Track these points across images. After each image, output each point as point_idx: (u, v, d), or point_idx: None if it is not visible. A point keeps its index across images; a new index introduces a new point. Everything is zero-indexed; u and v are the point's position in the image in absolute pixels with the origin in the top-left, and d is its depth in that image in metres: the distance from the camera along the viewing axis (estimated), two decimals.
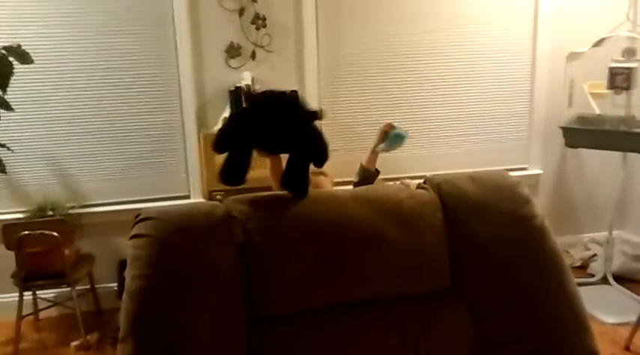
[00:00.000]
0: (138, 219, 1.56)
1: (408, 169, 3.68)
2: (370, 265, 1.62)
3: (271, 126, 1.63)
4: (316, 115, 1.66)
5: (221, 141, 1.66)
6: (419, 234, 1.67)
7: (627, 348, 2.91)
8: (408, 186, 1.78)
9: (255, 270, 1.56)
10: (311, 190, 1.88)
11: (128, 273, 1.48)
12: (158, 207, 1.65)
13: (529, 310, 1.68)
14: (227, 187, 1.68)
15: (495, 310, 1.68)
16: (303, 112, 1.65)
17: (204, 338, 1.45)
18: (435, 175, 1.81)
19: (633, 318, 2.94)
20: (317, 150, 1.66)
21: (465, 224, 1.72)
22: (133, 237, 1.53)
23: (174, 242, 1.51)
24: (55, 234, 2.94)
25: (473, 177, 1.79)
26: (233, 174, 1.64)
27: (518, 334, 1.67)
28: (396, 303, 1.64)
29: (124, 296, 1.46)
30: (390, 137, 2.62)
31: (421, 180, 1.82)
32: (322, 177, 2.15)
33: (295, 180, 1.66)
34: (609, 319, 3.17)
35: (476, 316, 1.67)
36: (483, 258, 1.71)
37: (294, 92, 1.76)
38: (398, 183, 1.81)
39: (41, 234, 2.94)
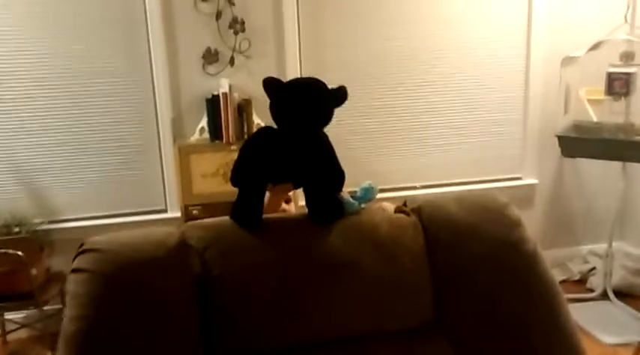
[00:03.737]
0: (80, 250, 1.40)
1: (398, 180, 3.57)
2: (342, 298, 1.47)
3: (288, 154, 1.52)
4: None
5: (237, 175, 1.53)
6: (397, 261, 1.53)
7: None
8: (384, 209, 1.61)
9: (214, 305, 1.41)
10: (277, 214, 1.74)
11: (65, 314, 1.32)
12: (105, 235, 1.48)
13: (520, 344, 1.53)
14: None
15: (482, 345, 1.54)
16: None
17: None
18: (416, 196, 1.66)
19: (635, 338, 2.79)
20: (334, 176, 1.56)
21: (449, 250, 1.58)
22: (73, 271, 1.37)
23: (118, 277, 1.35)
24: (19, 253, 2.78)
25: (458, 199, 1.65)
26: (248, 214, 1.50)
27: None
28: (371, 341, 1.49)
29: (59, 341, 1.29)
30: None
31: (401, 203, 1.66)
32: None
33: (325, 208, 1.54)
34: (609, 339, 3.01)
35: (461, 352, 1.52)
36: (469, 287, 1.57)
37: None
38: (375, 206, 1.65)
39: (5, 253, 2.79)
